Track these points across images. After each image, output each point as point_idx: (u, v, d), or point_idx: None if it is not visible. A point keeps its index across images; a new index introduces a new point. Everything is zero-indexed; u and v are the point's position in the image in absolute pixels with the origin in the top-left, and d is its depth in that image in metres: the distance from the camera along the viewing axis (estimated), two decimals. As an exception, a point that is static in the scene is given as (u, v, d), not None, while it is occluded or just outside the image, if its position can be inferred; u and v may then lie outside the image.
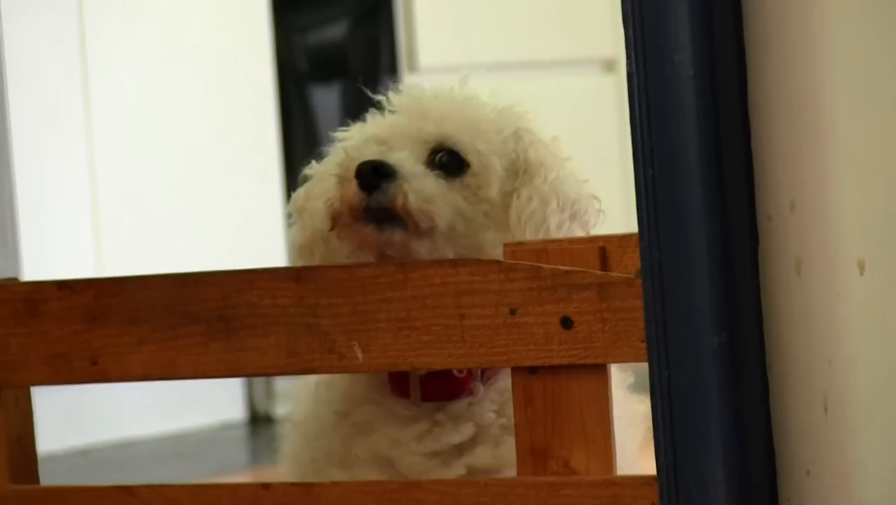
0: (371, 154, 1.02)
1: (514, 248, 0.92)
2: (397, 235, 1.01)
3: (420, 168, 1.03)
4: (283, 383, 2.46)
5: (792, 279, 0.86)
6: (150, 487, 1.02)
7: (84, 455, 2.37)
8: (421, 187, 1.02)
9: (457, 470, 1.01)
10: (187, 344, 0.95)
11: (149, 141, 2.50)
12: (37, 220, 2.30)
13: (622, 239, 0.92)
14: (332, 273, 0.94)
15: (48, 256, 2.31)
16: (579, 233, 1.06)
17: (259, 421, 2.57)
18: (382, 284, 0.89)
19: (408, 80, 2.43)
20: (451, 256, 1.04)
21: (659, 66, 0.84)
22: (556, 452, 0.91)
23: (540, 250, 0.91)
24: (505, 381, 1.01)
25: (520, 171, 1.06)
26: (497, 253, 1.00)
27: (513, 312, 0.89)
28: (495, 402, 1.03)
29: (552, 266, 0.90)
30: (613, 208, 1.05)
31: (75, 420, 2.32)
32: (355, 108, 1.40)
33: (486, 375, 1.03)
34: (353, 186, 0.99)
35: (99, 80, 2.43)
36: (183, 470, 2.28)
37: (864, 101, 0.89)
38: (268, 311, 0.92)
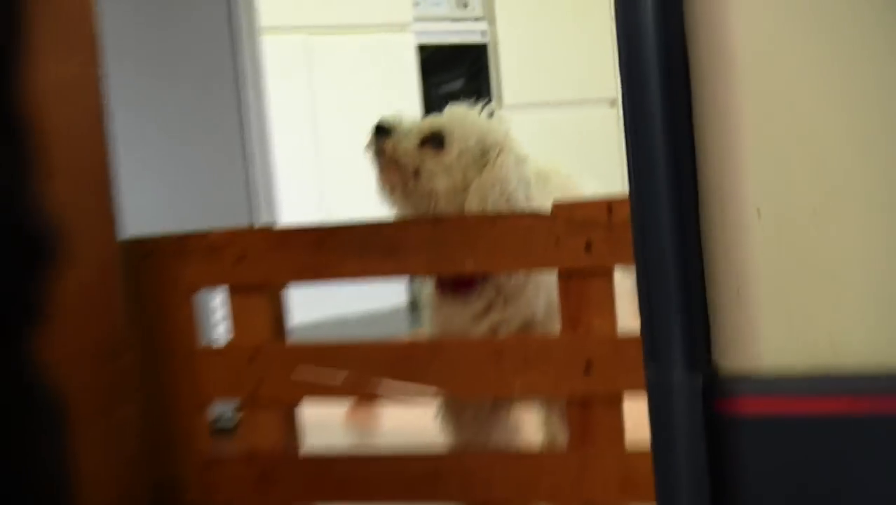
0: (396, 123, 1.46)
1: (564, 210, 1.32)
2: (379, 163, 1.44)
3: (414, 137, 1.45)
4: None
5: (720, 222, 1.26)
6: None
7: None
8: (397, 143, 1.44)
9: (483, 326, 1.46)
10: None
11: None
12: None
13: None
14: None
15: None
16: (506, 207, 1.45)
17: (417, 307, 2.98)
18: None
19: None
20: (416, 192, 1.46)
21: (640, 103, 1.25)
22: (584, 320, 1.33)
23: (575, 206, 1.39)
24: (497, 278, 1.44)
25: (485, 164, 1.46)
26: (448, 199, 1.44)
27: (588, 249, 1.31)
28: (494, 288, 1.45)
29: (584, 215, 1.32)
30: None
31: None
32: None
33: (484, 276, 1.45)
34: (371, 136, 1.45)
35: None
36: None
37: (769, 106, 1.20)
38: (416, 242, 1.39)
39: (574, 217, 1.35)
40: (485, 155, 1.46)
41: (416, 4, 3.03)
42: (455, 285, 1.48)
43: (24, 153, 0.40)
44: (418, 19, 3.03)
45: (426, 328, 1.58)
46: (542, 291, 1.49)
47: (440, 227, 1.41)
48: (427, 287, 1.56)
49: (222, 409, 1.88)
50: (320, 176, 2.44)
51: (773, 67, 1.09)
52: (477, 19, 3.21)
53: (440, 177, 1.45)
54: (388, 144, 1.45)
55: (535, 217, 1.37)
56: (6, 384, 0.38)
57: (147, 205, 1.77)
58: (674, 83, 1.11)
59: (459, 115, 1.48)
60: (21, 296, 0.38)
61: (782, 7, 1.11)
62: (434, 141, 1.47)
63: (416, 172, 1.46)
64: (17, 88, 0.38)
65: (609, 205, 1.34)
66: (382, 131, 1.46)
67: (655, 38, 1.08)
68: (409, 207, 1.50)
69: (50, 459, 0.42)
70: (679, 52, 1.12)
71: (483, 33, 3.25)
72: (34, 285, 0.40)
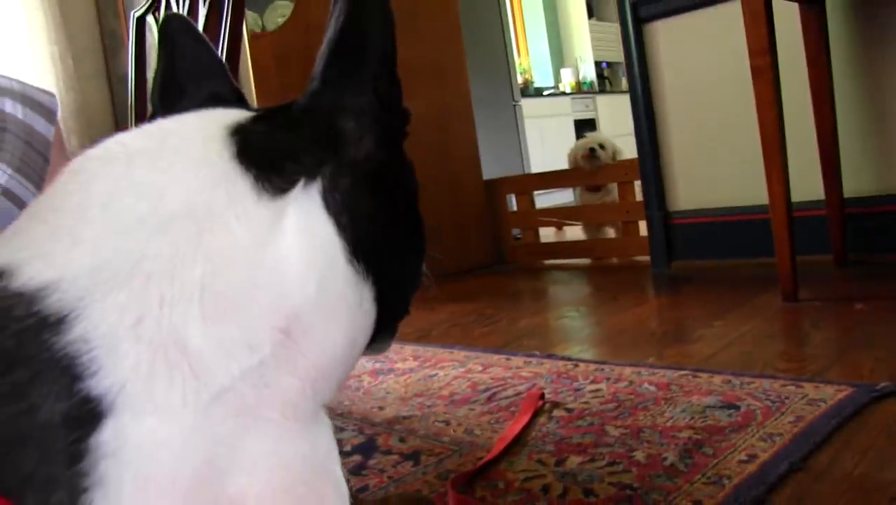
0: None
1: (622, 162, 4.21)
2: (574, 158, 4.09)
3: (586, 145, 4.00)
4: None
5: (666, 153, 3.64)
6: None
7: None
8: (578, 150, 4.03)
9: (598, 201, 3.97)
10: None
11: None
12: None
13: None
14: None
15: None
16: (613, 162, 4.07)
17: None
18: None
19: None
20: (590, 164, 4.02)
21: (640, 114, 3.98)
22: (626, 197, 4.07)
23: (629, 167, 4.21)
24: (605, 186, 4.03)
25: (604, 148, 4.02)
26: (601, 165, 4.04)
27: (626, 174, 4.19)
28: (604, 190, 3.98)
29: (626, 163, 4.14)
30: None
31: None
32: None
33: (602, 185, 4.05)
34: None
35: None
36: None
37: (680, 83, 3.33)
38: (584, 174, 4.38)
39: (623, 164, 3.89)
40: (606, 146, 4.11)
41: (573, 107, 8.30)
42: (590, 188, 4.12)
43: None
44: (573, 111, 8.25)
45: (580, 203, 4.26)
46: (615, 191, 4.06)
47: (596, 170, 4.05)
48: (580, 190, 4.25)
49: (516, 231, 4.32)
50: (551, 157, 5.26)
51: (678, 86, 3.34)
52: (590, 109, 8.58)
53: (599, 158, 4.11)
54: (583, 150, 4.18)
55: (616, 164, 3.94)
56: (402, 161, 0.54)
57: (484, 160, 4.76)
58: (646, 101, 3.53)
59: (597, 134, 4.15)
60: (397, 142, 0.58)
61: (684, 48, 3.32)
62: (594, 149, 4.17)
63: (591, 158, 4.12)
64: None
65: (633, 161, 3.70)
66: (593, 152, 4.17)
67: (641, 92, 3.50)
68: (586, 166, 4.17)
69: (416, 211, 0.60)
70: (647, 87, 3.55)
71: (594, 112, 8.56)
72: (397, 140, 0.59)
